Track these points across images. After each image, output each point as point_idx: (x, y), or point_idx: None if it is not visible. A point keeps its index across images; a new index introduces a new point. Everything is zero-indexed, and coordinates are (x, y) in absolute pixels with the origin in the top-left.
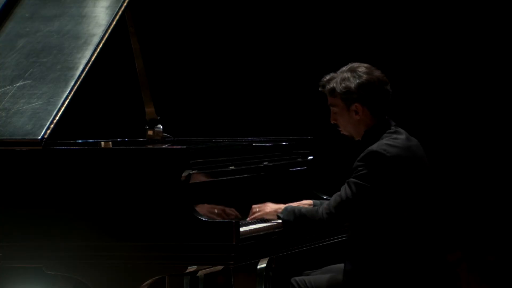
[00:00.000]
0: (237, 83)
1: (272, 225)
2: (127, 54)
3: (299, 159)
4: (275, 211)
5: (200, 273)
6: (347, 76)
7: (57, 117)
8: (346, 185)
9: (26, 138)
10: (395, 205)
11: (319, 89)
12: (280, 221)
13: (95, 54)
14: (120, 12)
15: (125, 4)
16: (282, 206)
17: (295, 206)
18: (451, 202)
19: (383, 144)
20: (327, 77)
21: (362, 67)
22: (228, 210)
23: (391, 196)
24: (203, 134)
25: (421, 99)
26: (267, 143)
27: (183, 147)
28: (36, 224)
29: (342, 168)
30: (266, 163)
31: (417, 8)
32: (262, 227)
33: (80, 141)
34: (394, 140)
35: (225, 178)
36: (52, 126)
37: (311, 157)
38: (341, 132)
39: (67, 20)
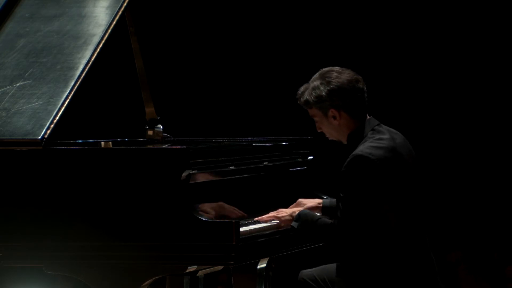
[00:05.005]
0: (237, 83)
1: (272, 225)
2: (127, 54)
3: (299, 159)
4: (290, 215)
5: (200, 273)
6: (316, 85)
7: (57, 117)
8: (340, 203)
9: (26, 138)
10: (384, 208)
11: (298, 102)
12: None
13: (95, 54)
14: (120, 12)
15: (125, 4)
16: (295, 209)
17: (308, 214)
18: (451, 202)
19: (367, 146)
20: (301, 89)
21: (331, 72)
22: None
23: (380, 199)
24: (203, 134)
25: (421, 99)
26: (267, 143)
27: (183, 147)
28: (36, 224)
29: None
30: (266, 163)
31: (411, 7)
32: (262, 227)
33: (80, 141)
34: (378, 141)
35: (225, 178)
36: (52, 126)
37: (311, 157)
38: (329, 139)
39: (67, 20)
